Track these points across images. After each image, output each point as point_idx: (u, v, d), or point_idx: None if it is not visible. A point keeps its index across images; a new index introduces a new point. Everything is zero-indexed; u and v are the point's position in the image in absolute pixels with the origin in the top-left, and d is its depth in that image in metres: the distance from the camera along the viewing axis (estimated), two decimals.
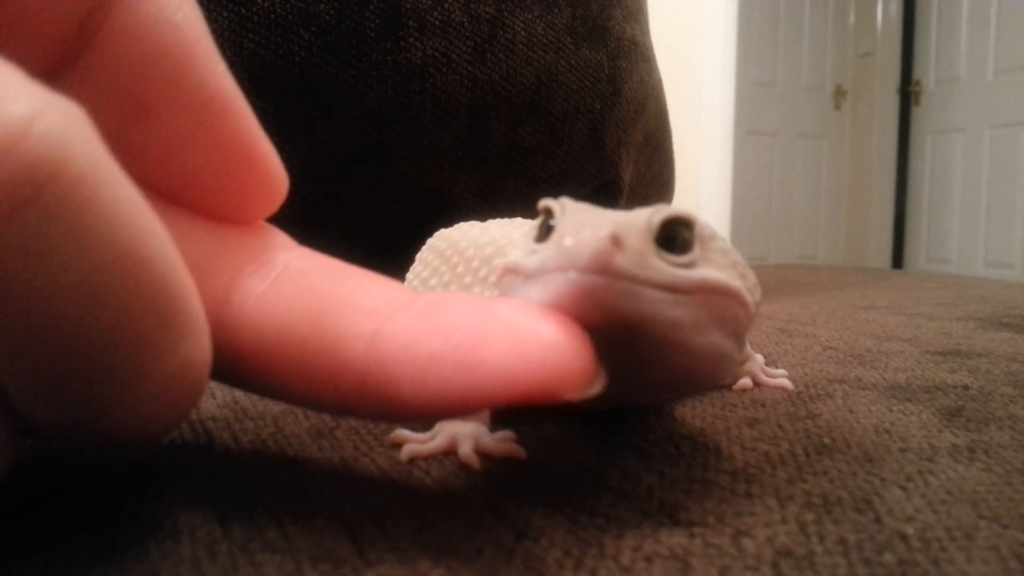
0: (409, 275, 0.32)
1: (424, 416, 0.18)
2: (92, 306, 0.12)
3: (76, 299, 0.11)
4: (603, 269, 0.16)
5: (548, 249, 0.16)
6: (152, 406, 0.14)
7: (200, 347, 0.14)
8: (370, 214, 0.54)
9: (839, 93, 3.04)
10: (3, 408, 0.14)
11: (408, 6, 0.51)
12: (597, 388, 0.15)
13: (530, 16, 0.56)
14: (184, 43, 0.15)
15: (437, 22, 0.52)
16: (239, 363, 0.16)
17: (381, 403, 0.15)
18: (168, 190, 0.16)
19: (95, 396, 0.13)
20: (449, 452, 0.20)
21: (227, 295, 0.16)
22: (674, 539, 0.16)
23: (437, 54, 0.52)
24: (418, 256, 0.33)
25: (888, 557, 0.15)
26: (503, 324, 0.14)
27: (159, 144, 0.16)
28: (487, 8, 0.54)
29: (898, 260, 2.98)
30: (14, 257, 0.11)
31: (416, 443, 0.21)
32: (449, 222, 0.33)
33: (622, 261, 0.16)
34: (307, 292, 0.16)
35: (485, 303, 0.15)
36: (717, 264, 0.18)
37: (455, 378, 0.14)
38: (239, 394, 0.26)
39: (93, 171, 0.11)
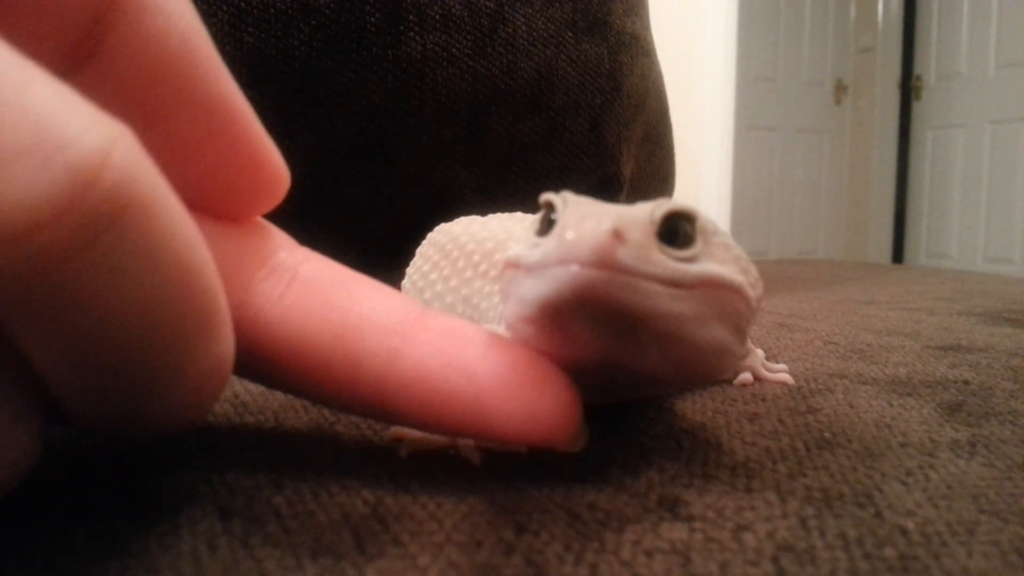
0: (410, 269, 0.32)
1: (429, 430, 0.19)
2: (152, 315, 0.12)
3: (140, 310, 0.12)
4: (605, 263, 0.15)
5: (550, 242, 0.16)
6: (186, 400, 0.15)
7: (228, 343, 0.15)
8: (370, 208, 0.54)
9: (840, 88, 3.03)
10: (36, 399, 0.14)
11: (408, 0, 0.51)
12: (578, 446, 0.19)
13: (530, 10, 0.56)
14: (189, 52, 0.15)
15: (437, 16, 0.52)
16: (257, 362, 0.17)
17: (393, 415, 0.17)
18: (177, 192, 0.17)
19: (140, 393, 0.14)
20: (449, 447, 0.20)
21: (244, 298, 0.17)
22: (674, 533, 0.16)
23: (437, 48, 0.52)
24: (419, 250, 0.33)
25: (889, 551, 0.15)
26: (517, 379, 0.16)
27: (168, 149, 0.16)
28: (487, 2, 0.54)
29: (898, 255, 2.98)
30: (94, 279, 0.11)
31: (416, 438, 0.21)
32: (449, 216, 0.33)
33: (624, 255, 0.16)
34: (323, 304, 0.17)
35: (501, 347, 0.17)
36: (719, 258, 0.18)
37: (465, 414, 0.16)
38: (240, 389, 0.26)
39: (156, 193, 0.12)
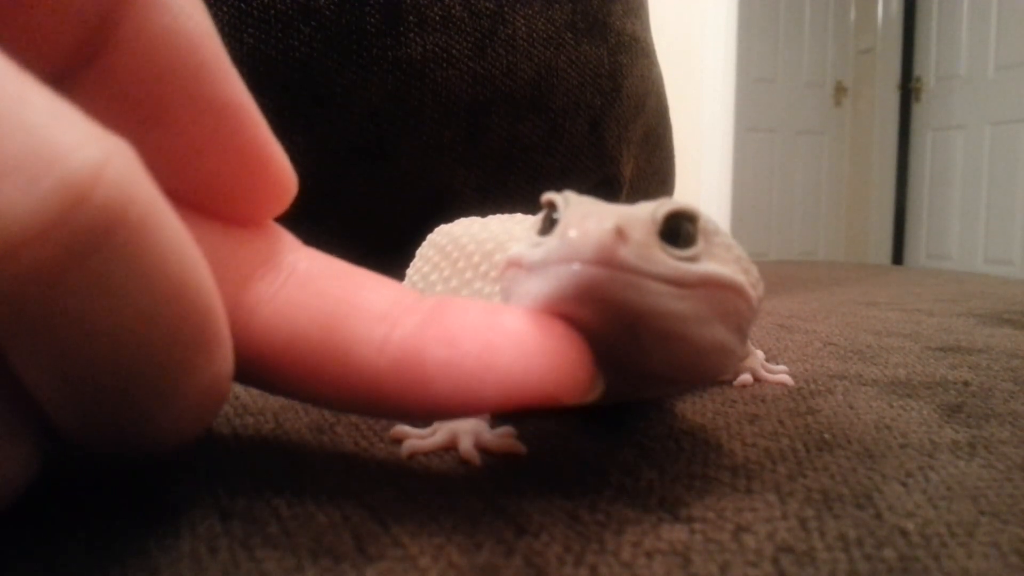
0: (410, 271, 0.32)
1: (430, 417, 0.18)
2: (146, 335, 0.12)
3: (134, 329, 0.12)
4: (607, 261, 0.15)
5: (552, 241, 0.16)
6: (184, 418, 0.14)
7: (227, 361, 0.15)
8: (370, 210, 0.54)
9: (839, 90, 3.03)
10: (32, 416, 0.14)
11: (408, 1, 0.51)
12: (595, 394, 0.16)
13: (530, 11, 0.56)
14: (197, 51, 0.15)
15: (437, 17, 0.52)
16: (250, 363, 0.17)
17: (390, 404, 0.16)
18: (182, 194, 0.16)
19: (135, 412, 0.14)
20: (449, 448, 0.20)
21: (240, 299, 0.17)
22: (675, 535, 0.16)
23: (437, 49, 0.52)
24: (419, 252, 0.33)
25: (888, 553, 0.15)
26: (509, 334, 0.15)
27: (175, 151, 0.16)
28: (487, 3, 0.54)
29: (898, 256, 2.98)
30: (85, 296, 0.11)
31: (416, 439, 0.21)
32: (449, 218, 0.33)
33: (626, 254, 0.16)
34: (316, 296, 0.17)
35: (491, 311, 0.16)
36: (721, 258, 0.18)
37: (462, 385, 0.15)
38: (239, 390, 0.26)
39: (152, 210, 0.11)
